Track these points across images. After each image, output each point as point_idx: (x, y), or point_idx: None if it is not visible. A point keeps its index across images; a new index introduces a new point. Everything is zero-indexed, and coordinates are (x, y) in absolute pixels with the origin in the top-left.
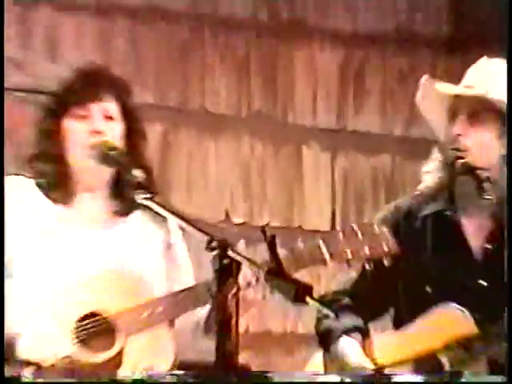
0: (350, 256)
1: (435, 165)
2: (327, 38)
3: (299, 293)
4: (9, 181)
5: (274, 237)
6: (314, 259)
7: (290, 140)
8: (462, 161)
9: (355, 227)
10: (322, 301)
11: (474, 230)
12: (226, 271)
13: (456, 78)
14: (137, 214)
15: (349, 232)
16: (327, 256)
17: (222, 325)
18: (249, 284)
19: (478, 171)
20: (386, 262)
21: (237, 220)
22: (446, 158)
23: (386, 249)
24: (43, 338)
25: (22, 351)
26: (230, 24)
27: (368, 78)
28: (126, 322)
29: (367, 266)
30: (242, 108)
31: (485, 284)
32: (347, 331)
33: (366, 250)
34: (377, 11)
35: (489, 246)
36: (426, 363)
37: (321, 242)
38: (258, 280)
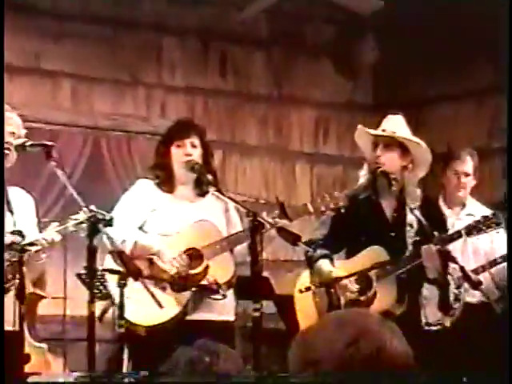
0: (323, 209)
1: (365, 171)
2: (308, 104)
3: (294, 239)
4: (140, 182)
5: (282, 203)
6: (304, 212)
7: (289, 159)
8: (380, 169)
9: (326, 194)
10: (306, 243)
11: (387, 206)
12: (256, 228)
13: (376, 126)
14: (209, 196)
15: (321, 197)
16: (311, 209)
17: (254, 255)
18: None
19: (389, 175)
20: (342, 211)
21: (261, 201)
22: (371, 168)
23: (341, 203)
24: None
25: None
26: (256, 97)
27: (330, 126)
28: (208, 252)
29: (332, 213)
30: (264, 141)
31: (393, 234)
32: (322, 257)
33: (332, 205)
34: (332, 90)
35: (395, 215)
36: (362, 277)
37: (308, 203)
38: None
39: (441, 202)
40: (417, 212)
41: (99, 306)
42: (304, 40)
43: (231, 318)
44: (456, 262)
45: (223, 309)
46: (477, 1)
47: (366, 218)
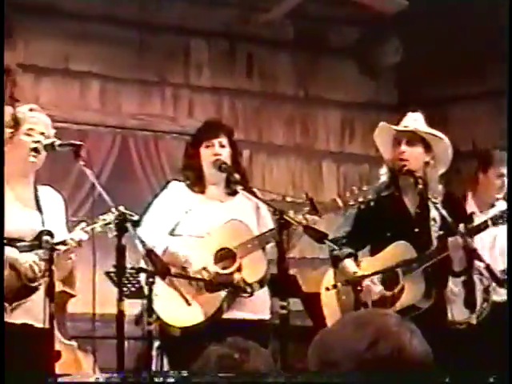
0: (352, 202)
1: (385, 170)
2: (333, 105)
3: (320, 237)
4: (171, 184)
5: (312, 198)
6: (333, 208)
7: (315, 158)
8: (406, 168)
9: (354, 188)
10: (332, 241)
11: (410, 203)
12: (282, 227)
13: (396, 125)
14: (239, 195)
15: (350, 191)
16: (341, 203)
17: (280, 253)
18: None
19: (415, 173)
20: (372, 204)
21: (288, 199)
22: (396, 165)
23: (370, 197)
24: (197, 260)
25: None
26: (282, 97)
27: (356, 126)
28: (240, 251)
29: (362, 206)
30: (290, 141)
31: (417, 230)
32: (347, 256)
33: (361, 198)
34: (357, 91)
35: (418, 211)
36: (389, 274)
37: (337, 198)
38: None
39: (470, 200)
40: (440, 207)
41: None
42: (328, 41)
43: (266, 316)
44: (481, 260)
45: (257, 307)
46: (499, 1)
47: (389, 215)
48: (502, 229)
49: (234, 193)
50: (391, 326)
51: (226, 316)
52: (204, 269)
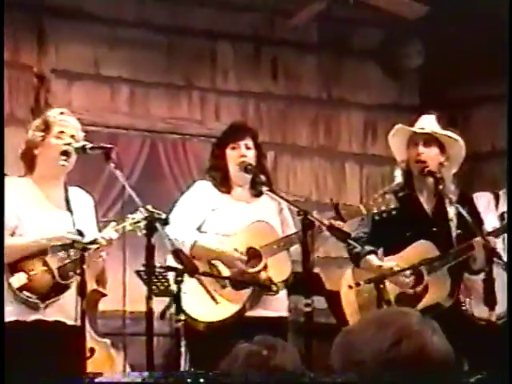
0: (375, 210)
1: (400, 171)
2: (356, 106)
3: (344, 237)
4: (198, 183)
5: (337, 204)
6: (357, 213)
7: (339, 159)
8: (428, 169)
9: (378, 196)
10: (354, 239)
11: (427, 202)
12: (307, 227)
13: (410, 125)
14: (264, 196)
15: (374, 199)
16: (364, 211)
17: (305, 253)
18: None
19: (435, 174)
20: (394, 213)
21: (312, 199)
22: (409, 168)
23: (393, 205)
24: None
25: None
26: (306, 99)
27: (378, 127)
28: (265, 251)
29: (385, 215)
30: (314, 142)
31: (435, 229)
32: (369, 252)
33: (384, 207)
34: (380, 93)
35: (434, 211)
36: (413, 271)
37: (361, 205)
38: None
39: (502, 200)
40: (460, 207)
41: (156, 302)
42: (352, 43)
43: (284, 313)
44: (501, 259)
45: (276, 305)
46: None
47: (407, 215)
48: None
49: (259, 194)
50: (413, 325)
51: (248, 313)
52: (235, 250)
